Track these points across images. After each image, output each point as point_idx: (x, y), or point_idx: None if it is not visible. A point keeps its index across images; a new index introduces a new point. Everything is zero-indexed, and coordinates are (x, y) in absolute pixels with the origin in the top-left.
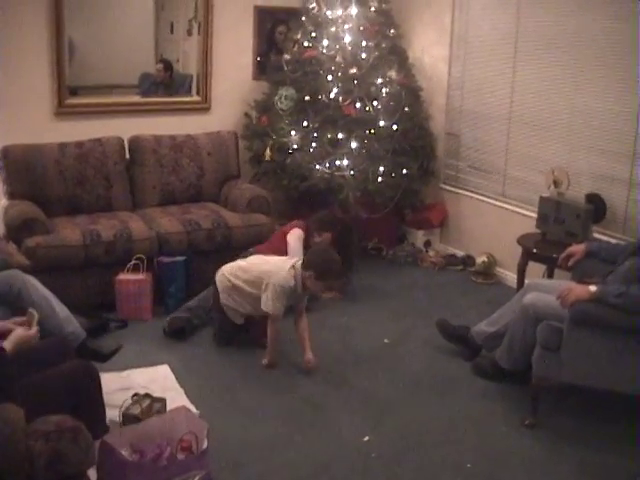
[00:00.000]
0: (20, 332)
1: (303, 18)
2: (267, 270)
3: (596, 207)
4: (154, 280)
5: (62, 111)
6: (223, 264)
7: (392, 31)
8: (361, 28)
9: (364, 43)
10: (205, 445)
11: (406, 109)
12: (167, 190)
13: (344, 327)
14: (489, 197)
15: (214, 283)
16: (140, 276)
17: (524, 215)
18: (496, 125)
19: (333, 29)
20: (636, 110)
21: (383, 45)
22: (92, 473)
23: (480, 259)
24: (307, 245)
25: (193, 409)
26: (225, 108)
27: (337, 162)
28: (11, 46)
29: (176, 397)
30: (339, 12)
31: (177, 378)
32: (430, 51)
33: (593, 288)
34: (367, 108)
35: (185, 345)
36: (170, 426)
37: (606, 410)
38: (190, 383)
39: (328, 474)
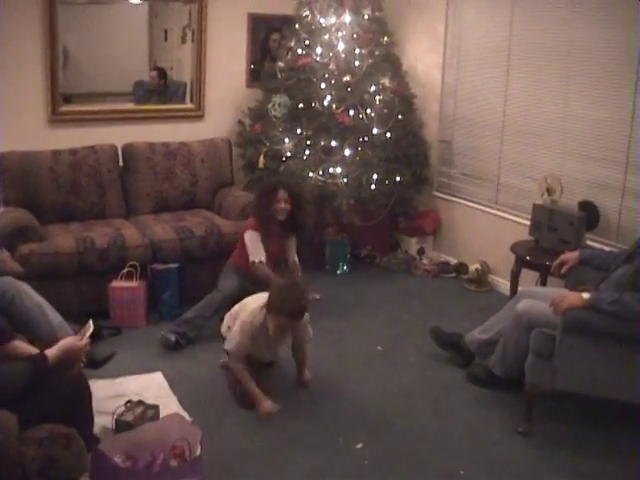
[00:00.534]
0: (70, 340)
1: (297, 26)
2: (244, 307)
3: (589, 214)
4: (148, 287)
5: (56, 119)
6: (217, 271)
7: (385, 39)
8: (355, 36)
9: (357, 51)
10: (198, 452)
11: (399, 117)
12: (161, 197)
13: (337, 334)
14: (482, 204)
15: None
16: (134, 283)
17: (517, 223)
18: (489, 132)
19: (327, 37)
20: (629, 117)
21: (377, 53)
22: None
23: (473, 267)
24: (269, 232)
25: (186, 416)
26: (219, 115)
27: (330, 169)
28: (5, 53)
29: (169, 404)
30: (333, 20)
31: (170, 385)
32: (423, 59)
33: (586, 295)
34: (360, 116)
35: (179, 353)
36: (163, 433)
37: (599, 417)
38: (183, 390)
39: None
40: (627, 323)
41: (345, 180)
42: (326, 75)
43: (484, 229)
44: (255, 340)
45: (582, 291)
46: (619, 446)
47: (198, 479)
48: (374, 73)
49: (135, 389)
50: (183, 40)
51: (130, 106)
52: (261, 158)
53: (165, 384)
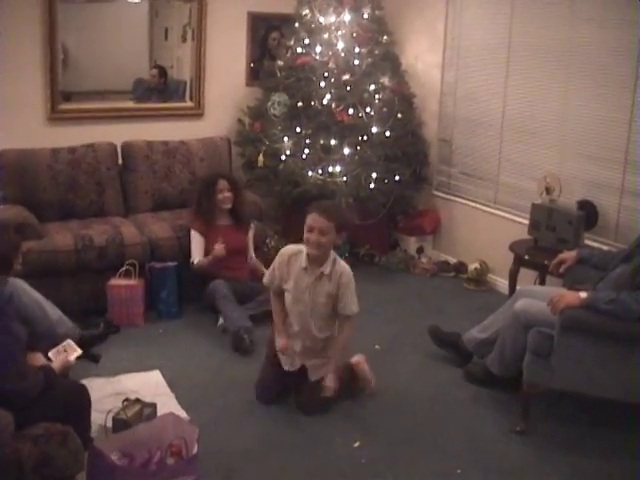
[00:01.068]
0: (70, 359)
1: (296, 24)
2: None
3: (588, 214)
4: (146, 285)
5: (55, 116)
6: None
7: (385, 38)
8: (354, 34)
9: (357, 49)
10: (195, 450)
11: (399, 115)
12: (159, 196)
13: None
14: (481, 204)
15: None
16: (132, 281)
17: (516, 222)
18: (489, 132)
19: (326, 35)
20: (627, 117)
21: (376, 52)
22: (82, 478)
23: (472, 266)
24: (208, 233)
25: (184, 414)
26: (218, 114)
27: (330, 168)
28: (5, 51)
29: (167, 402)
30: (332, 19)
31: (168, 383)
32: (423, 58)
33: (584, 294)
34: (360, 114)
35: (177, 351)
36: (160, 431)
37: (597, 416)
38: (181, 389)
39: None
40: (625, 322)
41: (344, 179)
42: (325, 74)
43: (483, 228)
44: (289, 268)
45: (580, 290)
46: (616, 445)
47: (194, 477)
48: (374, 72)
49: (133, 387)
50: (183, 39)
51: (129, 104)
52: (260, 157)
53: (163, 382)
